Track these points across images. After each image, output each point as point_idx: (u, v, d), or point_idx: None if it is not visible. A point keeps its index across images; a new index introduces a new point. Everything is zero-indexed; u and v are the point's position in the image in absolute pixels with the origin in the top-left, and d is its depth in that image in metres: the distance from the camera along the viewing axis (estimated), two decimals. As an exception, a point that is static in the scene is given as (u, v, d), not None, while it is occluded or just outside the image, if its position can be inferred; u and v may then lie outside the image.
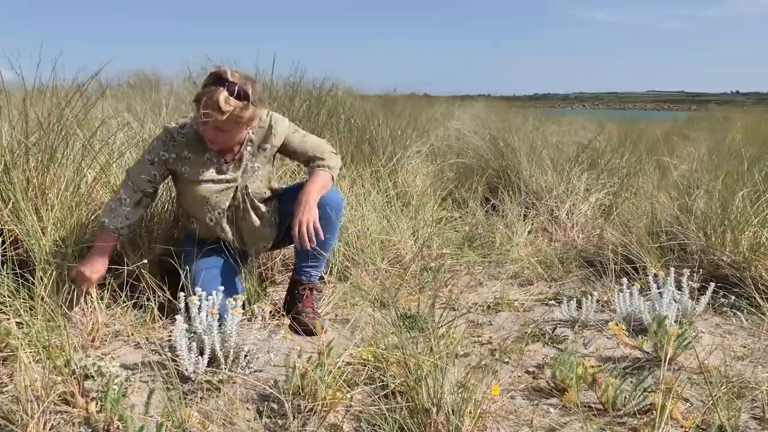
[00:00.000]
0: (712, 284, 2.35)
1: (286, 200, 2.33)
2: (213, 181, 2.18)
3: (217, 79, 2.00)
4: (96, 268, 2.06)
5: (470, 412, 1.49)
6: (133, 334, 2.05)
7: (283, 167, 3.29)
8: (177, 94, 5.09)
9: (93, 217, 2.33)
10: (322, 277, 2.48)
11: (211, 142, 2.12)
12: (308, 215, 2.11)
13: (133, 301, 2.18)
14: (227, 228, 2.25)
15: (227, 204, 2.22)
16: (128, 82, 6.54)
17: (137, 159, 2.23)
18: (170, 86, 5.90)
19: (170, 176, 2.25)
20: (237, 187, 2.21)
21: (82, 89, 2.44)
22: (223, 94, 1.97)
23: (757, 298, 2.39)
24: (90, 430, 1.49)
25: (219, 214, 2.22)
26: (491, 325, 2.36)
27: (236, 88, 1.99)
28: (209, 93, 1.98)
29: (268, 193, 2.31)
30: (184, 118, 2.24)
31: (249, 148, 2.22)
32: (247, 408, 1.65)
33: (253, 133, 2.21)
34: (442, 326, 2.00)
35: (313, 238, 2.09)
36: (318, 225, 2.11)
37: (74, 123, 2.40)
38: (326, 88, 4.90)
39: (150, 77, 6.65)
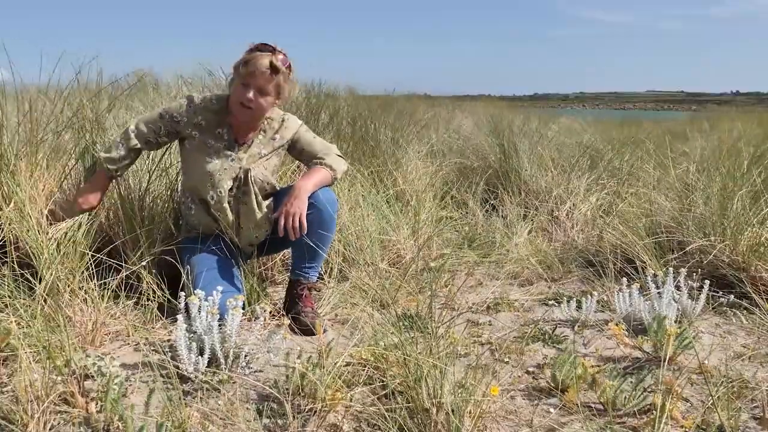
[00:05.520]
0: (707, 282, 2.35)
1: (280, 199, 2.33)
2: (218, 156, 2.22)
3: (264, 47, 2.15)
4: (87, 199, 2.21)
5: (470, 412, 1.49)
6: (133, 334, 2.05)
7: (284, 166, 3.29)
8: (175, 96, 5.08)
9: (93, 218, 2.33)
10: (321, 277, 2.47)
11: (243, 107, 2.16)
12: (296, 207, 2.13)
13: (133, 301, 2.18)
14: (227, 208, 2.24)
15: (229, 184, 2.23)
16: (126, 81, 6.51)
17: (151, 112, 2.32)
18: (167, 86, 5.90)
19: (177, 143, 2.33)
20: (240, 168, 2.23)
21: (81, 90, 2.44)
22: (273, 57, 2.13)
23: (757, 298, 2.39)
24: (90, 430, 1.49)
25: (220, 192, 2.22)
26: (491, 325, 2.37)
27: (283, 56, 2.16)
28: (259, 56, 2.12)
29: (269, 186, 2.31)
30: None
31: (260, 137, 2.29)
32: (247, 408, 1.65)
33: (267, 124, 2.30)
34: (441, 326, 2.00)
35: (297, 231, 2.12)
36: (303, 219, 2.13)
37: (74, 122, 2.40)
38: (327, 89, 4.91)
39: (147, 77, 6.64)
